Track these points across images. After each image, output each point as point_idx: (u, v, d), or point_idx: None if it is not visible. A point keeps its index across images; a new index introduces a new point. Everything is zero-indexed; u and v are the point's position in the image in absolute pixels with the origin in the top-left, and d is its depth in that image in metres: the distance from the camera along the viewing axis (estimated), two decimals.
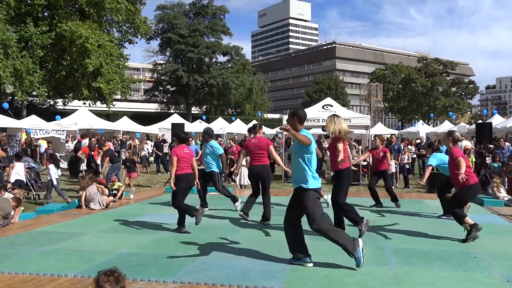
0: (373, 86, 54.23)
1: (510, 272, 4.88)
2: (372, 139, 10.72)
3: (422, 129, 29.20)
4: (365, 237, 6.58)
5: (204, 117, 34.85)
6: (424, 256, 5.55)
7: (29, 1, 24.81)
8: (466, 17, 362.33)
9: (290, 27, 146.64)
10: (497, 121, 22.35)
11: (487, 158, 12.74)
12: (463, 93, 64.79)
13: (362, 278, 4.65)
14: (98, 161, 12.19)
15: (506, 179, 11.22)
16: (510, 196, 10.03)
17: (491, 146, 13.68)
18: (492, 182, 10.36)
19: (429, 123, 56.02)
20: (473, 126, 21.12)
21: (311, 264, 5.09)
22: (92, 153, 12.26)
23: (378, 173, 9.68)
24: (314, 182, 4.91)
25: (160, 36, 46.57)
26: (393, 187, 12.75)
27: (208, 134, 8.84)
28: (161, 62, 49.12)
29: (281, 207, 8.20)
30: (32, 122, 20.90)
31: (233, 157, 13.67)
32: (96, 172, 11.94)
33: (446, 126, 30.60)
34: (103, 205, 9.18)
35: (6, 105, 20.82)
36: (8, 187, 8.44)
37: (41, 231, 7.08)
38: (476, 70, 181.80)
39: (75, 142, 18.88)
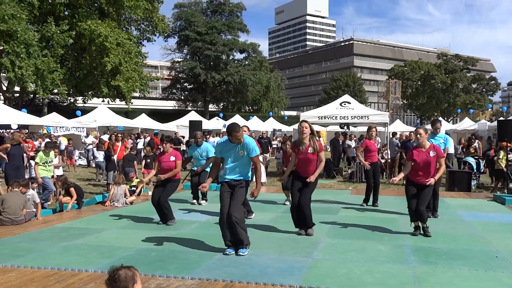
0: (392, 83, 53.56)
1: None
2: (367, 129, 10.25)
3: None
4: (383, 236, 6.54)
5: (221, 115, 34.96)
6: (444, 255, 5.47)
7: (50, 0, 25.19)
8: (485, 12, 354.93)
9: (307, 24, 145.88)
10: None
11: (509, 156, 12.48)
12: (484, 90, 63.56)
13: (381, 277, 4.61)
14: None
15: None
16: None
17: None
18: None
19: (449, 120, 55.21)
20: (495, 123, 20.75)
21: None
22: (111, 149, 12.49)
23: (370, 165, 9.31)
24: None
25: (177, 34, 46.80)
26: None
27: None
28: (179, 59, 49.38)
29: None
30: (53, 120, 21.29)
31: None
32: (114, 168, 12.12)
33: (466, 123, 30.11)
34: (127, 204, 9.34)
35: (78, 113, 21.71)
36: (33, 185, 8.56)
37: (62, 226, 7.20)
38: (498, 66, 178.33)
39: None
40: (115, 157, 12.49)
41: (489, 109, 61.01)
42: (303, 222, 6.56)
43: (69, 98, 33.24)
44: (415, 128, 7.17)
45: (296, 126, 30.02)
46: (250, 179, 5.79)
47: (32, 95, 28.74)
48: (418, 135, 6.63)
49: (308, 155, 6.40)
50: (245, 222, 5.71)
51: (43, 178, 9.01)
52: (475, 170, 13.21)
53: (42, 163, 9.10)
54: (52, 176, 9.81)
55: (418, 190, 6.47)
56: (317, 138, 6.55)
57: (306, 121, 6.58)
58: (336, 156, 17.36)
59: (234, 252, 5.44)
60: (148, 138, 21.81)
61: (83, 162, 20.65)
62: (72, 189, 8.72)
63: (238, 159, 5.58)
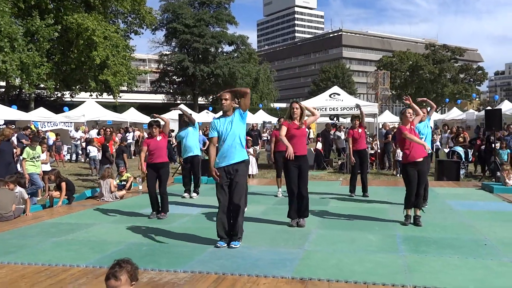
0: (380, 74, 53.84)
1: None
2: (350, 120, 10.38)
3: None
4: (374, 226, 6.59)
5: (210, 108, 34.84)
6: (434, 244, 5.53)
7: None
8: (472, 3, 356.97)
9: (296, 15, 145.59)
10: (506, 107, 22.14)
11: (497, 145, 12.62)
12: (472, 80, 64.13)
13: (372, 267, 4.64)
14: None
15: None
16: None
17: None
18: (502, 169, 10.28)
19: (437, 110, 55.58)
20: (482, 112, 20.96)
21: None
22: (107, 143, 12.40)
23: (357, 153, 9.45)
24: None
25: (165, 27, 46.40)
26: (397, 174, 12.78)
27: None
28: (167, 52, 49.01)
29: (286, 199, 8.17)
30: (40, 115, 21.04)
31: None
32: (110, 162, 12.02)
33: (454, 113, 30.37)
34: (117, 198, 9.27)
35: (66, 109, 21.50)
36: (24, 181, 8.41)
37: (52, 222, 7.15)
38: (485, 56, 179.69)
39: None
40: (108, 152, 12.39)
41: (476, 99, 61.56)
42: (303, 211, 6.56)
43: (56, 92, 32.87)
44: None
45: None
46: (248, 158, 5.73)
47: (18, 90, 28.36)
48: (408, 114, 6.73)
49: (301, 131, 6.53)
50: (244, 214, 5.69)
51: (31, 175, 8.86)
52: (463, 160, 13.34)
53: (30, 159, 8.96)
54: (44, 172, 9.73)
55: (418, 172, 6.56)
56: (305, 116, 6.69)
57: (296, 102, 6.70)
58: (326, 147, 17.41)
59: (226, 244, 5.44)
60: (138, 132, 21.71)
61: (72, 157, 20.47)
62: (63, 184, 8.63)
63: (233, 137, 5.43)
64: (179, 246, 5.57)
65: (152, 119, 7.76)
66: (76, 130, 20.22)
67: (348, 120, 24.45)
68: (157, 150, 7.31)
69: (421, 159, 6.54)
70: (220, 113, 5.79)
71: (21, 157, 9.38)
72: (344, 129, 20.25)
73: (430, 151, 7.65)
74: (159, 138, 7.39)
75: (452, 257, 4.94)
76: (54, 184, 9.06)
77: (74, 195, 9.10)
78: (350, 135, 9.63)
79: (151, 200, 7.36)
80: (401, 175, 8.13)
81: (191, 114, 9.91)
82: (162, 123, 7.77)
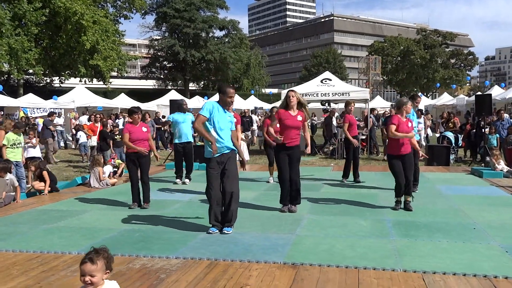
0: (372, 59, 53.73)
1: (509, 243, 4.93)
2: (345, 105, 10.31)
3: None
4: (365, 211, 6.65)
5: (206, 98, 34.70)
6: (423, 228, 5.60)
7: None
8: None
9: (287, 0, 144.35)
10: (496, 92, 22.29)
11: (486, 130, 12.72)
12: (462, 65, 64.30)
13: (363, 251, 4.69)
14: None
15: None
16: (509, 168, 10.08)
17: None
18: (491, 154, 10.39)
19: (428, 95, 55.86)
20: (473, 98, 21.07)
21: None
22: (107, 129, 12.34)
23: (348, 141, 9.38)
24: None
25: (155, 11, 45.86)
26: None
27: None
28: (157, 37, 48.49)
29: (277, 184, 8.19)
30: (29, 101, 20.78)
31: None
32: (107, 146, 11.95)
33: (445, 98, 30.52)
34: (108, 185, 9.20)
35: (55, 98, 21.23)
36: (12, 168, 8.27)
37: (42, 209, 7.11)
38: (475, 41, 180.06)
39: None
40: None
41: (468, 84, 61.87)
42: (294, 198, 6.60)
43: (45, 78, 32.45)
44: (411, 96, 7.53)
45: (277, 103, 29.96)
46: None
47: (6, 76, 27.96)
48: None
49: (296, 121, 6.54)
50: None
51: None
52: (453, 145, 13.45)
53: (10, 145, 8.72)
54: (31, 158, 9.61)
55: (402, 162, 6.66)
56: (305, 109, 6.73)
57: (293, 91, 6.74)
58: (328, 134, 17.36)
59: (218, 231, 5.45)
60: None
61: (60, 143, 20.28)
62: (44, 173, 8.42)
63: (228, 126, 5.50)
64: (171, 232, 5.58)
65: (133, 106, 7.60)
66: (58, 116, 19.91)
67: (340, 105, 24.52)
68: (140, 141, 7.07)
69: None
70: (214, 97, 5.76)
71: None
72: (336, 115, 20.25)
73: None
74: (144, 129, 7.19)
75: (441, 241, 5.01)
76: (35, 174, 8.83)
77: (57, 185, 8.84)
78: (347, 120, 9.45)
79: (132, 191, 7.14)
80: None
81: (186, 104, 9.93)
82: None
